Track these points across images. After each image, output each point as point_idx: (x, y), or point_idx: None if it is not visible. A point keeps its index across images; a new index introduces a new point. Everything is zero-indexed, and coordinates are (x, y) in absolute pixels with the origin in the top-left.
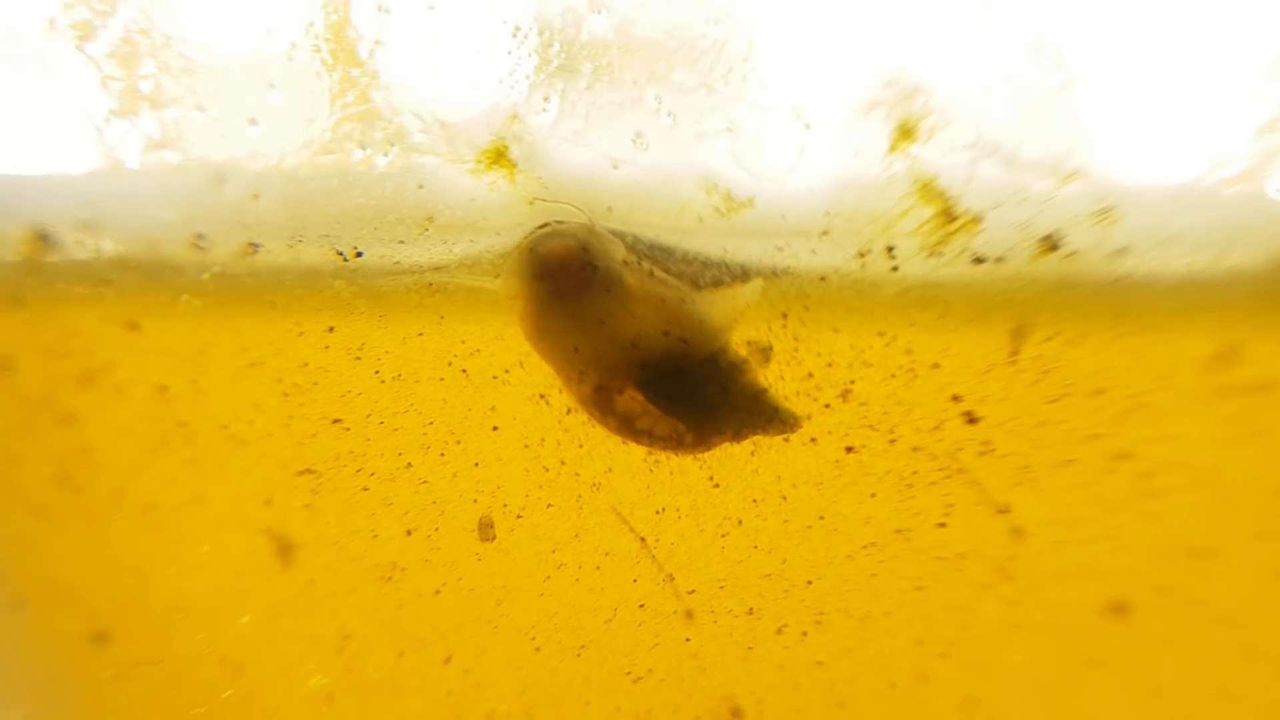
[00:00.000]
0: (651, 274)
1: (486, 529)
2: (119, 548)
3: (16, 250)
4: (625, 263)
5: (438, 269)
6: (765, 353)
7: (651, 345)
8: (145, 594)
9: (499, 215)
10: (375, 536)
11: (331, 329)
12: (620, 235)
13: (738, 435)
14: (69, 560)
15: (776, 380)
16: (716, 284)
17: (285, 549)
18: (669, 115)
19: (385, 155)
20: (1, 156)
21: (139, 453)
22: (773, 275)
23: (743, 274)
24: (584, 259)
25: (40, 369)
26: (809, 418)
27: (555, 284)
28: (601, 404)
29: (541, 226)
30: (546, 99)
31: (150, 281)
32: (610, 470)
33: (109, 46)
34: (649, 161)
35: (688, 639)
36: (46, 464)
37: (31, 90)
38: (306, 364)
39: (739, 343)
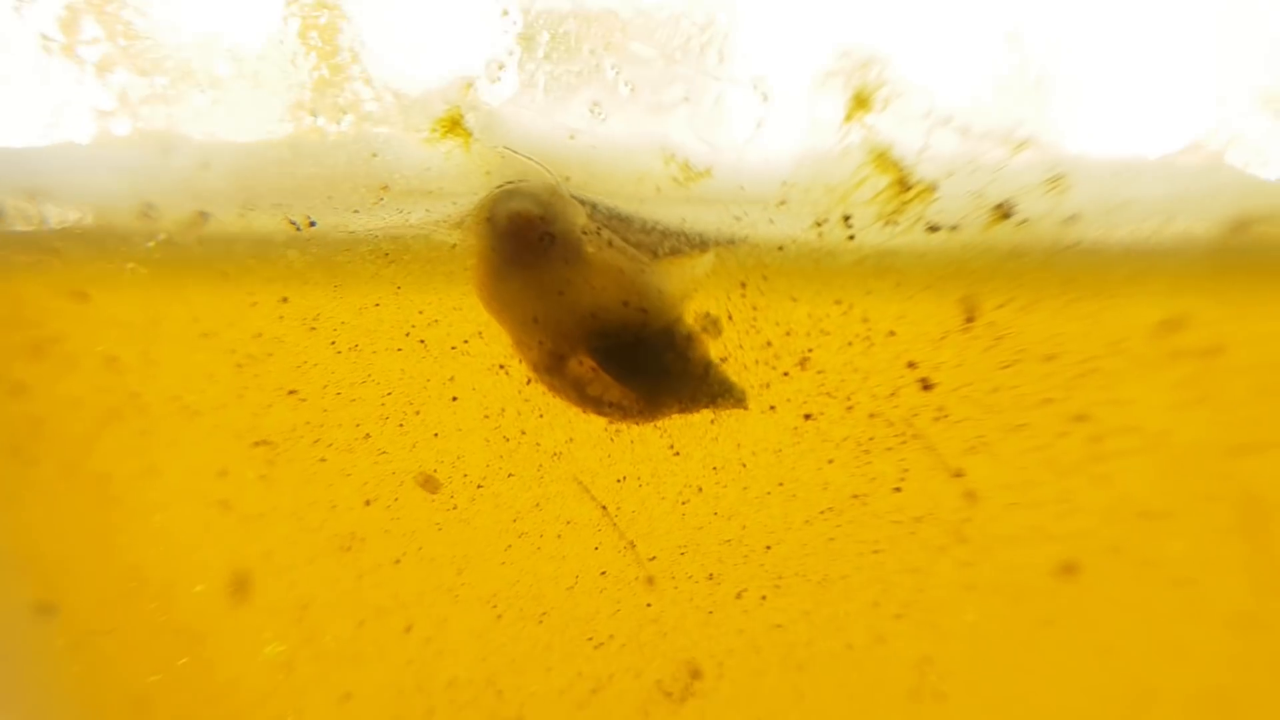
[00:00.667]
0: (610, 243)
1: (430, 483)
2: (72, 519)
3: None
4: (585, 231)
5: (394, 239)
6: (716, 325)
7: (609, 315)
8: (99, 565)
9: (455, 183)
10: (334, 507)
11: (285, 299)
12: (581, 202)
13: (686, 408)
14: (21, 532)
15: (735, 349)
16: (674, 253)
17: (241, 519)
18: (627, 85)
19: (338, 124)
20: None
21: (91, 424)
22: (729, 244)
23: (701, 243)
24: (542, 228)
25: None
26: (757, 390)
27: (511, 252)
28: (554, 369)
29: (502, 185)
30: (502, 68)
31: (98, 251)
32: (571, 440)
33: (53, 10)
34: (607, 131)
35: (649, 605)
36: None
37: None
38: (260, 334)
39: (695, 315)
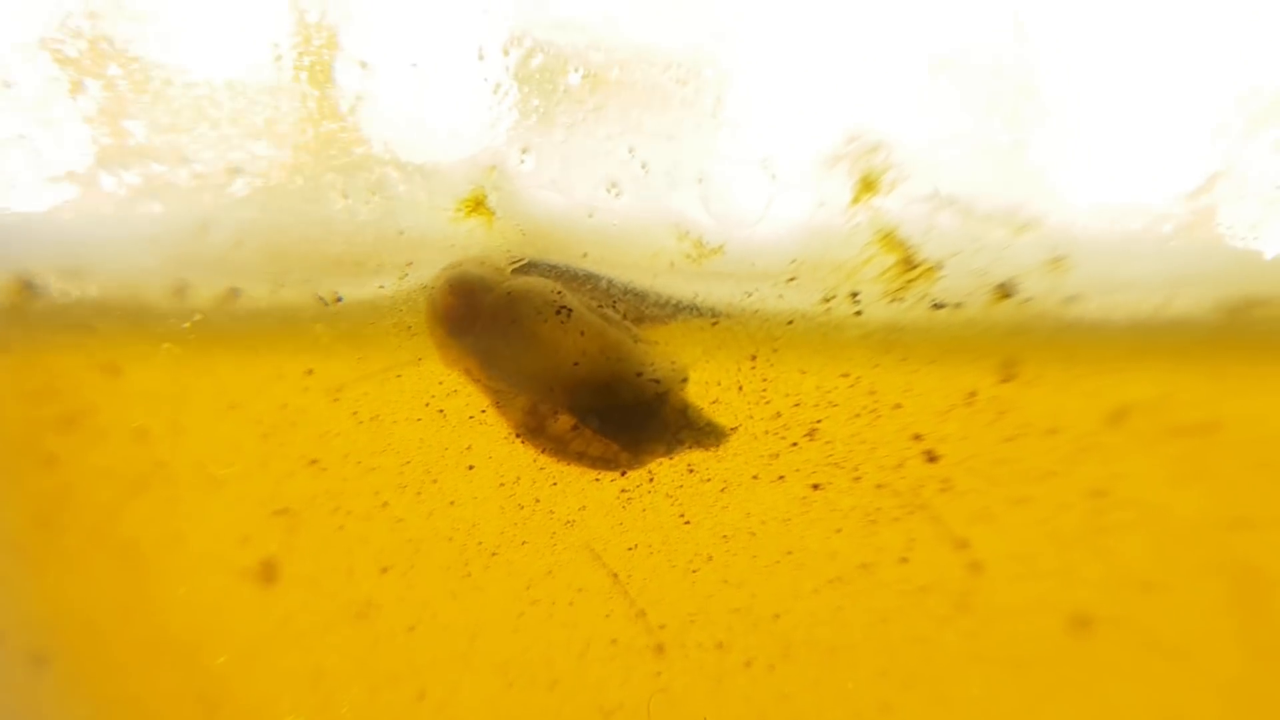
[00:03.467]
0: (594, 309)
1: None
2: (97, 587)
3: (2, 298)
4: (559, 295)
5: (417, 312)
6: (684, 370)
7: (582, 373)
8: (124, 632)
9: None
10: (351, 574)
11: (310, 371)
12: (589, 276)
13: (670, 450)
14: (47, 600)
15: (746, 419)
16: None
17: (261, 587)
18: (642, 165)
19: (367, 204)
20: None
21: (119, 493)
22: (713, 317)
23: (713, 316)
24: (463, 306)
25: (22, 413)
26: (766, 460)
27: (449, 326)
28: (534, 429)
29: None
30: (524, 150)
31: (132, 327)
32: (584, 508)
33: (96, 98)
34: (623, 209)
35: (658, 673)
36: (27, 505)
37: (15, 139)
38: (285, 405)
39: (671, 364)
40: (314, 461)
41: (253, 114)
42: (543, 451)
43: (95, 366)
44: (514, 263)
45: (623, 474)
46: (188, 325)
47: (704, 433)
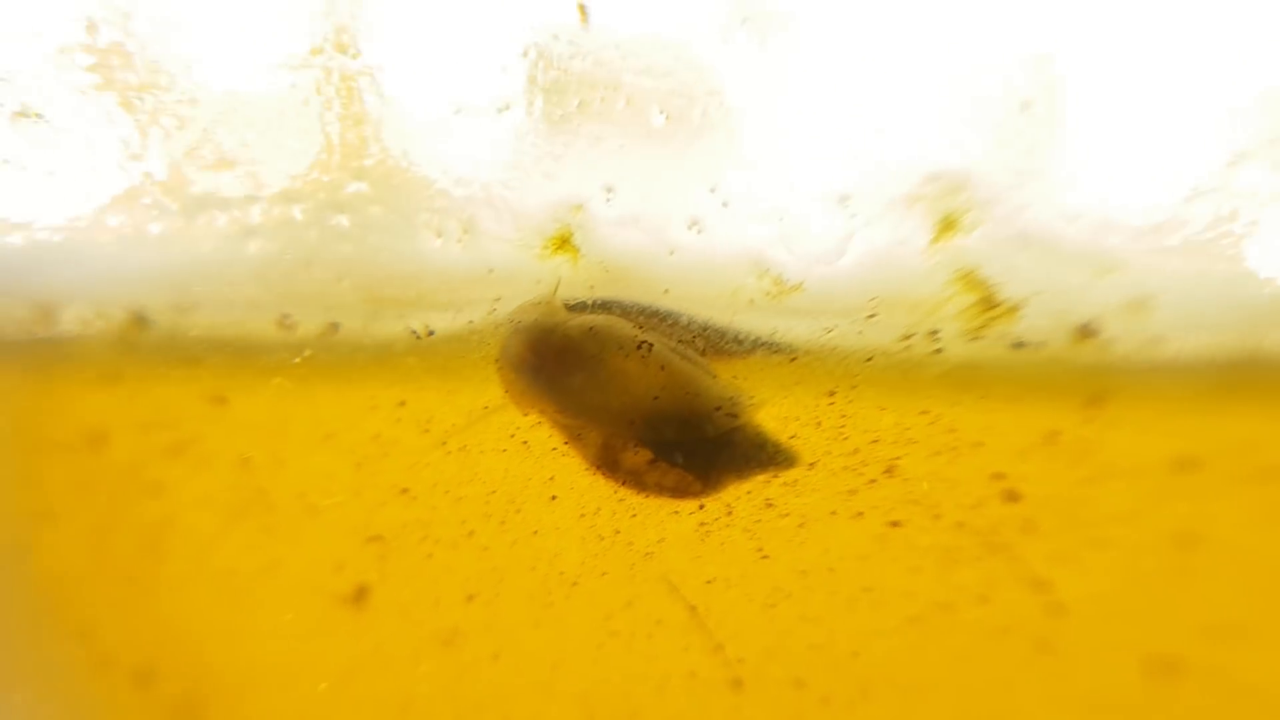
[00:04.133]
0: (651, 347)
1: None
2: (199, 612)
3: (115, 331)
4: (638, 330)
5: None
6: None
7: (662, 407)
8: (222, 656)
9: (561, 296)
10: (438, 602)
11: (403, 403)
12: (664, 315)
13: (742, 475)
14: (152, 624)
15: (823, 455)
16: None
17: (354, 614)
18: (723, 203)
19: (459, 241)
20: (103, 245)
21: (219, 521)
22: (792, 353)
23: (791, 352)
24: (532, 352)
25: (132, 442)
26: (844, 496)
27: (520, 373)
28: (609, 463)
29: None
30: (609, 189)
31: (238, 359)
32: (662, 540)
33: (210, 148)
34: (704, 246)
35: (737, 708)
36: (134, 533)
37: (123, 176)
38: (378, 436)
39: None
40: (405, 490)
41: (355, 158)
42: (621, 484)
43: (203, 397)
44: (571, 304)
45: (701, 507)
46: (299, 360)
47: (776, 457)
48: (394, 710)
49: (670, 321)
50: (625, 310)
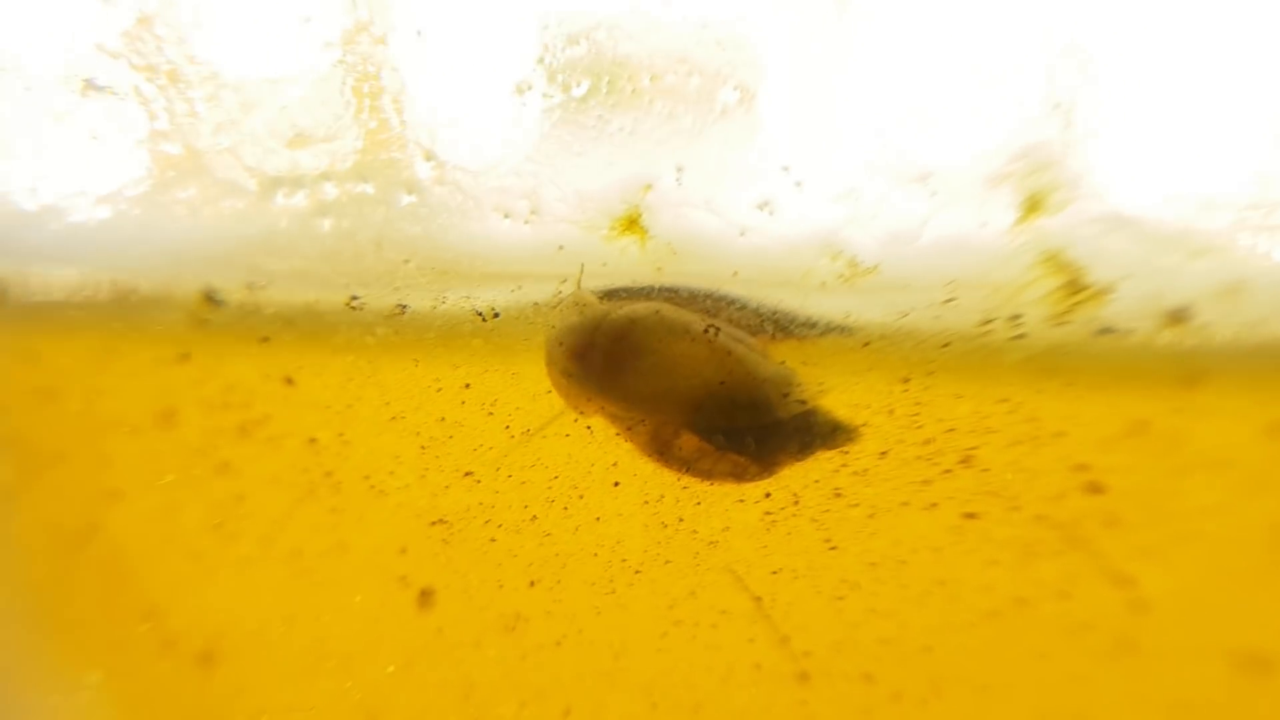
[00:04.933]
0: (719, 331)
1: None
2: (264, 593)
3: (186, 310)
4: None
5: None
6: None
7: (728, 391)
8: (288, 637)
9: (628, 279)
10: (501, 587)
11: (468, 385)
12: (677, 294)
13: (799, 454)
14: (218, 604)
15: (896, 444)
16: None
17: (419, 597)
18: (796, 183)
19: (526, 222)
20: (174, 224)
21: (287, 501)
22: (865, 338)
23: (865, 337)
24: (578, 353)
25: (201, 421)
26: (917, 486)
27: (570, 373)
28: (661, 450)
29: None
30: (679, 169)
31: (307, 339)
32: (727, 529)
33: (288, 125)
34: (775, 227)
35: (804, 702)
36: (203, 511)
37: (195, 161)
38: (444, 418)
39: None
40: (468, 474)
41: (424, 139)
42: (682, 472)
43: (271, 377)
44: (602, 294)
45: (767, 495)
46: (372, 340)
47: (833, 433)
48: (457, 695)
49: (727, 304)
50: (672, 295)
